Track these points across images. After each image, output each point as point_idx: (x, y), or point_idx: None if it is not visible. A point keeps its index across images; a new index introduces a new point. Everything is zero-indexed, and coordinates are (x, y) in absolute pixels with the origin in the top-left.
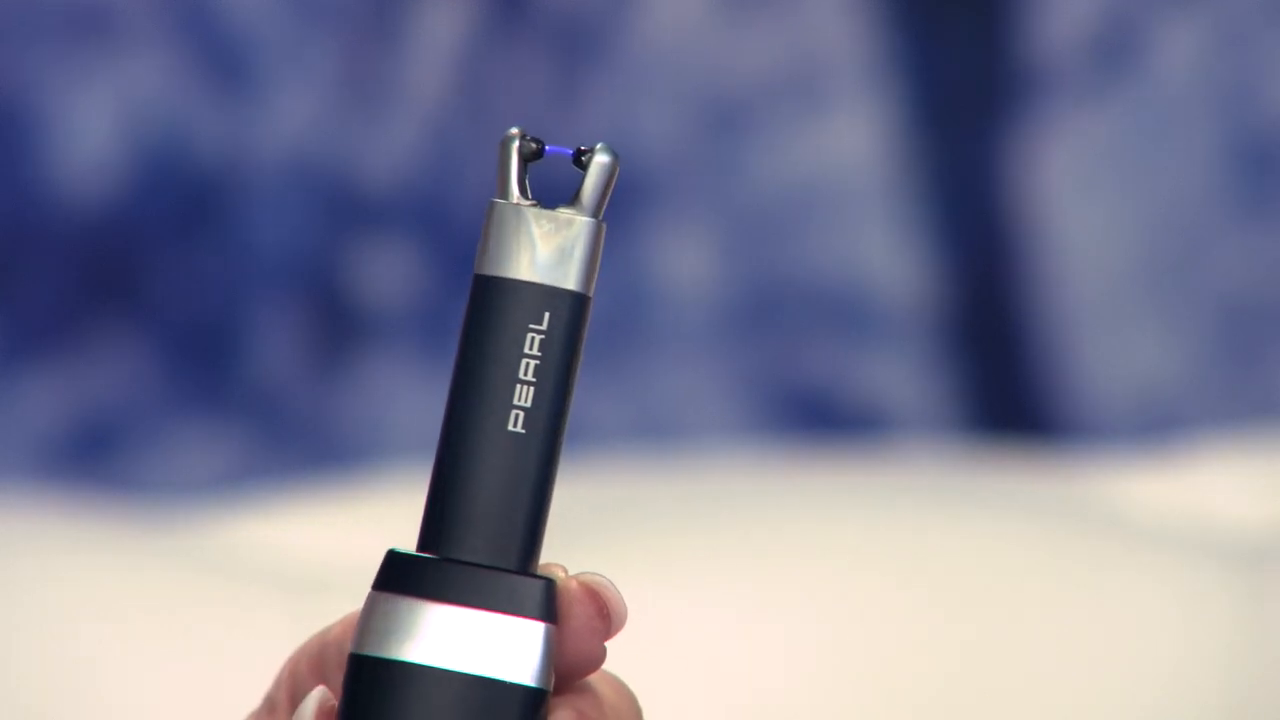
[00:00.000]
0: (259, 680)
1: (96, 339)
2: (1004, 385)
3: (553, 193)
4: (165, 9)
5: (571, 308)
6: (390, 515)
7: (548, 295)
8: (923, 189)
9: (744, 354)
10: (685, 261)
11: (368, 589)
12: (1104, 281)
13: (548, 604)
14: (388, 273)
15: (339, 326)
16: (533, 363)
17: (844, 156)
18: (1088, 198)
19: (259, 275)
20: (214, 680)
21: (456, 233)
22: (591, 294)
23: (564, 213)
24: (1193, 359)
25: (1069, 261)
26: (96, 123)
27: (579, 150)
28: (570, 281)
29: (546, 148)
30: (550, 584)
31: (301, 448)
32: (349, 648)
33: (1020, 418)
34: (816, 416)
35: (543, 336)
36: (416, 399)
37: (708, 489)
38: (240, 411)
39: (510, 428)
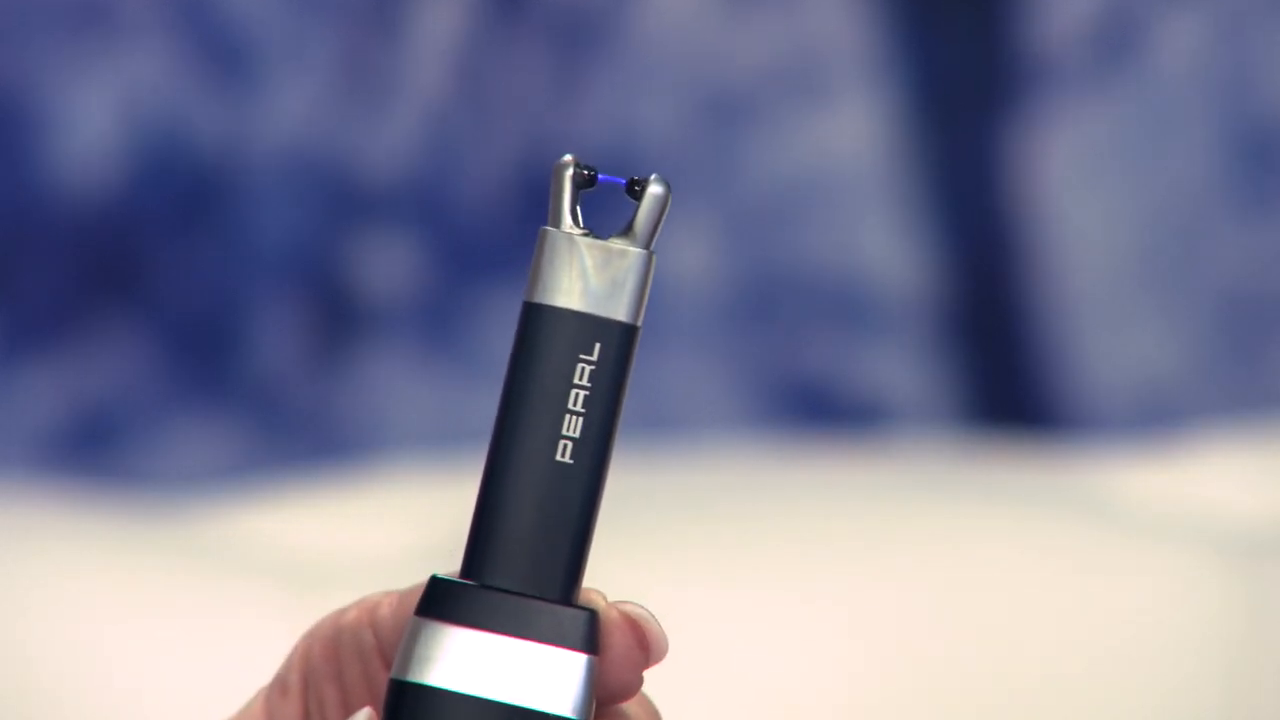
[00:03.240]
0: (259, 671)
1: (97, 332)
2: (1004, 378)
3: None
4: (165, 2)
5: (622, 339)
6: (390, 507)
7: (599, 326)
8: (922, 182)
9: (744, 346)
10: (685, 254)
11: (368, 580)
12: (1104, 274)
13: (590, 635)
14: (387, 266)
15: (338, 319)
16: (582, 393)
17: (844, 149)
18: (1088, 190)
19: (259, 268)
20: (213, 671)
21: (456, 226)
22: (640, 323)
23: (616, 243)
24: (1192, 351)
25: (1069, 254)
26: (96, 116)
27: (632, 180)
28: (621, 313)
29: (600, 176)
30: (593, 615)
31: (301, 440)
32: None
33: (1020, 410)
34: (816, 409)
35: (593, 367)
36: (416, 391)
37: (707, 481)
38: (240, 404)
39: (558, 458)
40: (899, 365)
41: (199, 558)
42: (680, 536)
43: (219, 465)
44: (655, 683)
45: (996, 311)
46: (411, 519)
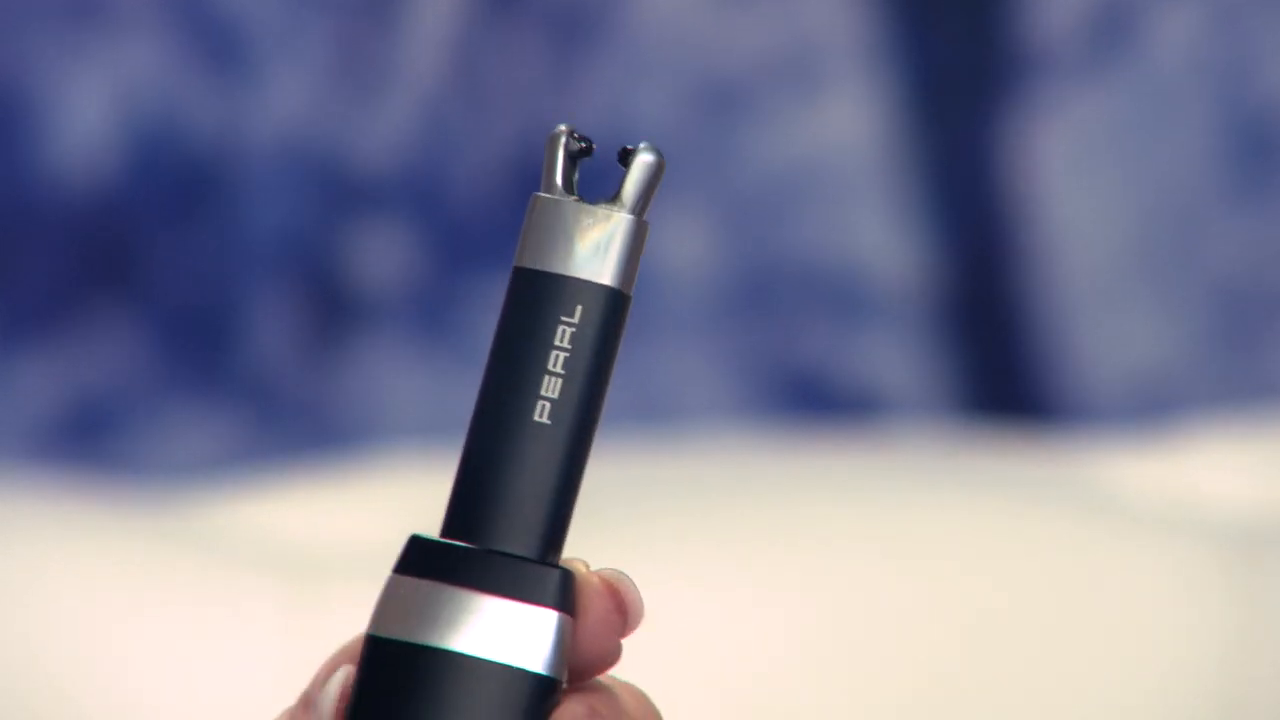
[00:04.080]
0: (251, 662)
1: (92, 322)
2: (999, 367)
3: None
4: None
5: (605, 302)
6: (385, 498)
7: (581, 289)
8: (918, 172)
9: (740, 336)
10: (681, 244)
11: (362, 571)
12: (1099, 264)
13: (564, 594)
14: (383, 256)
15: (334, 309)
16: (562, 355)
17: (839, 139)
18: (1083, 180)
19: (254, 258)
20: (207, 662)
21: (452, 216)
22: (629, 292)
23: (604, 208)
24: (1188, 341)
25: (1064, 244)
26: (92, 106)
27: (624, 149)
28: (605, 276)
29: (595, 146)
30: (568, 575)
31: (296, 430)
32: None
33: (1015, 400)
34: (812, 398)
35: (574, 330)
36: (411, 382)
37: (703, 470)
38: (235, 394)
39: (536, 418)
40: (894, 355)
41: (194, 548)
42: (675, 526)
43: (214, 455)
44: (649, 670)
45: (992, 302)
46: (407, 509)
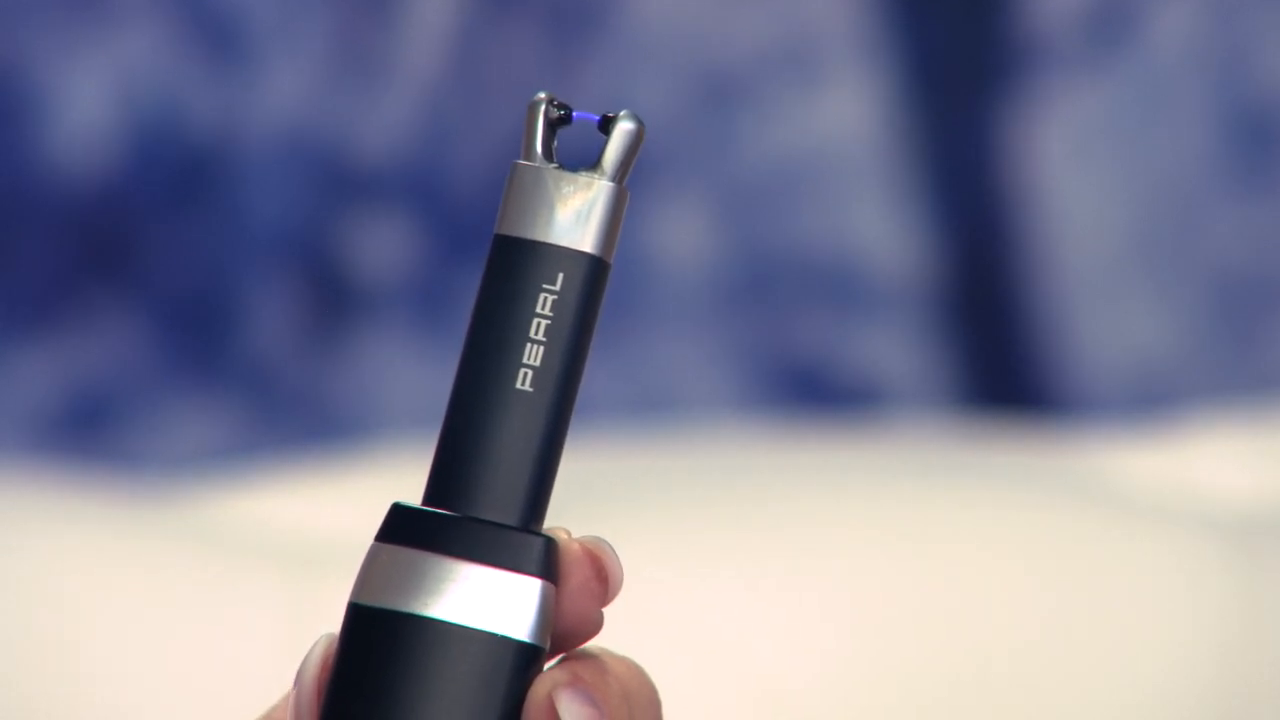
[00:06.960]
0: (251, 653)
1: (91, 312)
2: (999, 359)
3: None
4: None
5: (586, 270)
6: (384, 489)
7: (562, 256)
8: (918, 162)
9: (738, 328)
10: (680, 235)
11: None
12: (1099, 254)
13: (546, 562)
14: (382, 247)
15: (334, 300)
16: (544, 322)
17: (839, 130)
18: (1083, 171)
19: (254, 249)
20: (206, 654)
21: (451, 206)
22: (610, 259)
23: (584, 176)
24: (1188, 332)
25: (1064, 235)
26: (91, 96)
27: (605, 116)
28: (586, 244)
29: (574, 113)
30: (550, 542)
31: (296, 421)
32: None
33: (1015, 391)
34: (811, 390)
35: (555, 297)
36: (411, 372)
37: (701, 463)
38: (235, 385)
39: (518, 385)
40: (893, 347)
41: (193, 539)
42: (673, 518)
43: (214, 446)
44: (646, 661)
45: (991, 293)
46: (406, 499)
